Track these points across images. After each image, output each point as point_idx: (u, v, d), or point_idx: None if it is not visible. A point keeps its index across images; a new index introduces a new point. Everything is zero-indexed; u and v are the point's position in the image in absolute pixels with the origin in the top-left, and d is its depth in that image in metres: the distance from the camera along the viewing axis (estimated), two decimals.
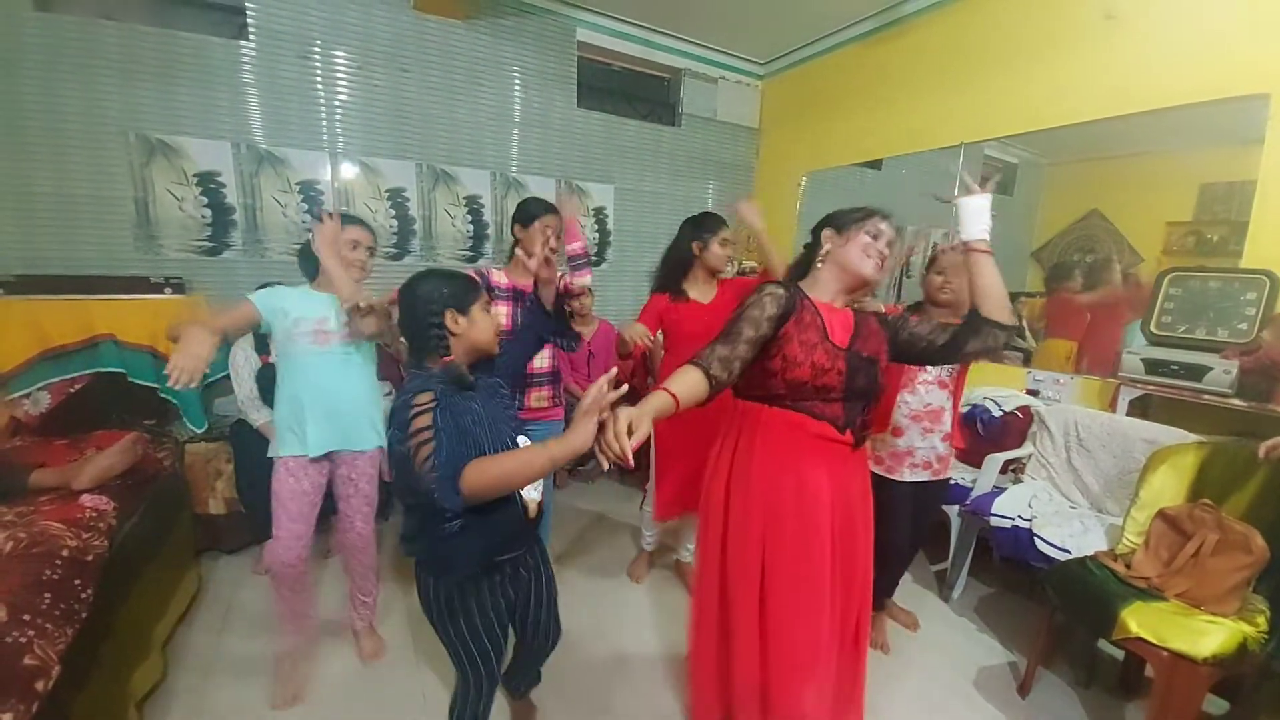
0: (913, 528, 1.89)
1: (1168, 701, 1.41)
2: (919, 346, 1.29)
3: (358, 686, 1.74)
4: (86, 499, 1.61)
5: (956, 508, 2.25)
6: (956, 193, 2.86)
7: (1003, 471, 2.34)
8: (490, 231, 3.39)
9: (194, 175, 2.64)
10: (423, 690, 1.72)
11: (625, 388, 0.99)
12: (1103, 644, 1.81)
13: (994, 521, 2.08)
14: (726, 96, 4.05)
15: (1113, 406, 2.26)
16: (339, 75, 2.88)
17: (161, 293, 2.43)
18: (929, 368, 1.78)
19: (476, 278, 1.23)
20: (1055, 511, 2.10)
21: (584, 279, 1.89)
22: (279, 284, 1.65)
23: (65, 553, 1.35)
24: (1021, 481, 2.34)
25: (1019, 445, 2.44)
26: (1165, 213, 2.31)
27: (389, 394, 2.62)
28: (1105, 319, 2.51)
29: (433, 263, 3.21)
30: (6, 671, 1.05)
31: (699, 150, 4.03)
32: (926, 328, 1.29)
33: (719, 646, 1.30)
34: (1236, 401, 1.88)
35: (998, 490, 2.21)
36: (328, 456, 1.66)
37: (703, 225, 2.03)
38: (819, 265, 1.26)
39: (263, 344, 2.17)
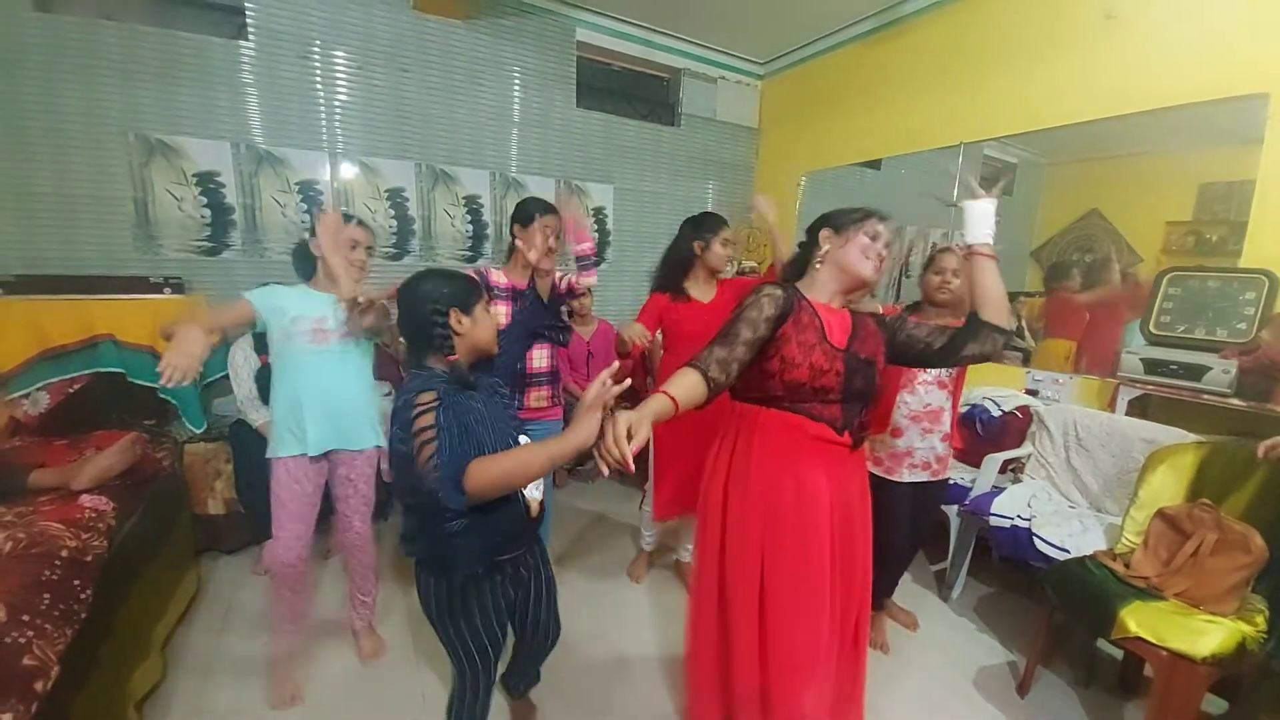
0: (912, 528, 1.89)
1: (1167, 701, 1.41)
2: (916, 348, 1.29)
3: (357, 686, 1.74)
4: (86, 499, 1.61)
5: (956, 507, 2.25)
6: (956, 193, 2.87)
7: (1002, 471, 2.34)
8: (490, 232, 3.39)
9: (193, 175, 2.64)
10: (422, 690, 1.72)
11: (629, 382, 0.99)
12: (1102, 643, 1.81)
13: (993, 521, 2.08)
14: (726, 96, 4.05)
15: (1112, 406, 2.26)
16: (338, 75, 2.88)
17: (161, 293, 2.43)
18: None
19: (476, 278, 1.23)
20: (1054, 511, 2.10)
21: (590, 279, 1.90)
22: (278, 284, 1.65)
23: (64, 553, 1.35)
24: (1021, 481, 2.34)
25: (1018, 445, 2.44)
26: (1165, 212, 2.32)
27: (388, 394, 2.62)
28: (1104, 319, 2.51)
29: (432, 263, 3.21)
30: (6, 672, 1.04)
31: (698, 150, 4.03)
32: (924, 330, 1.29)
33: (718, 648, 1.30)
34: (1235, 401, 1.88)
35: (997, 490, 2.21)
36: (326, 456, 1.66)
37: (704, 225, 2.03)
38: (817, 266, 1.26)
39: (262, 344, 2.17)
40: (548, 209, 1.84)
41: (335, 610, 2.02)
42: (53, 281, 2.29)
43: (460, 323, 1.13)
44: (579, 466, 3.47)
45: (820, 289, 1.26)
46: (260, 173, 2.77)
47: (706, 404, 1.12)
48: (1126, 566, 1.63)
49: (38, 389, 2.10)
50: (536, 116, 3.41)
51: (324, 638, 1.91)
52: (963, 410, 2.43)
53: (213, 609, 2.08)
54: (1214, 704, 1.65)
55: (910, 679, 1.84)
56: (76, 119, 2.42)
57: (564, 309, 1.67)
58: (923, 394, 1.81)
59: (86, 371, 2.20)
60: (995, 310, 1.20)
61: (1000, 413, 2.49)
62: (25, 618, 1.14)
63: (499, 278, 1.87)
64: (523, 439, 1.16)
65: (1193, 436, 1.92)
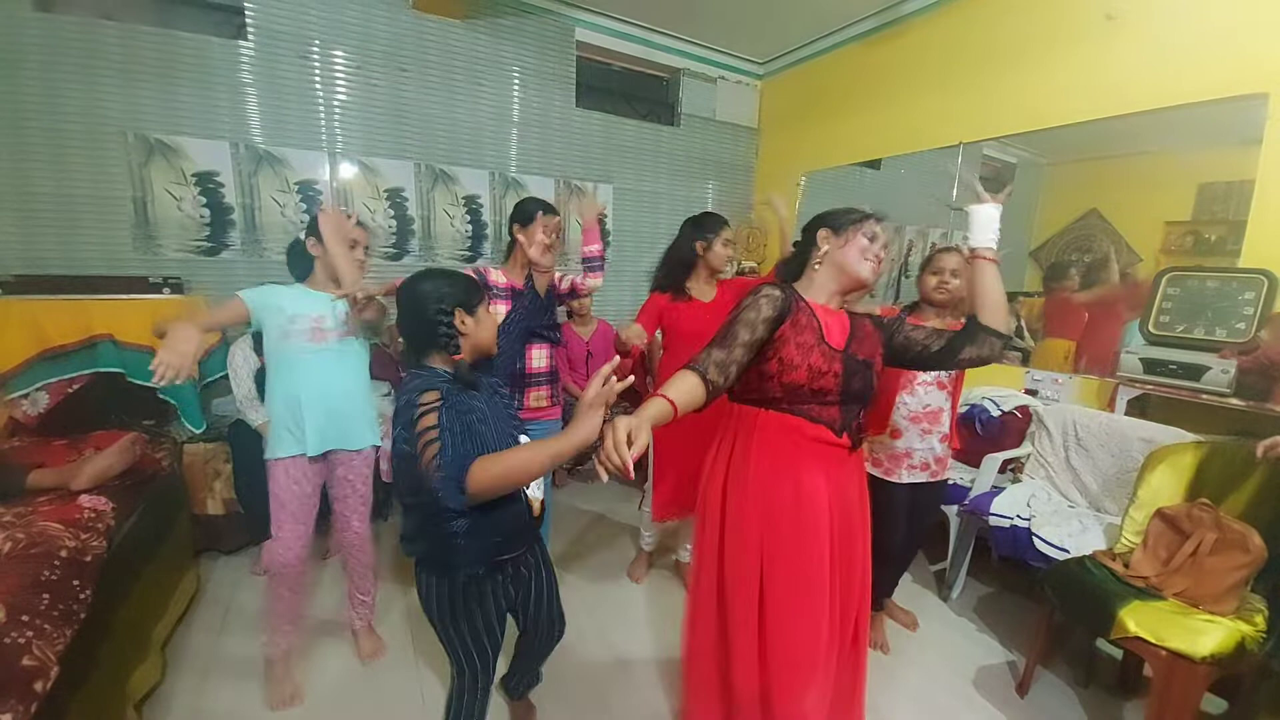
0: (912, 530, 1.89)
1: (1166, 701, 1.41)
2: (914, 351, 1.28)
3: (357, 686, 1.74)
4: (85, 499, 1.61)
5: (955, 507, 2.25)
6: (956, 193, 2.87)
7: (1001, 471, 2.34)
8: (489, 231, 3.39)
9: (193, 175, 2.64)
10: (421, 689, 1.72)
11: (631, 378, 0.99)
12: (1101, 643, 1.81)
13: (993, 521, 2.08)
14: (725, 96, 4.05)
15: (1111, 406, 2.26)
16: (338, 75, 2.88)
17: (160, 293, 2.43)
18: None
19: (475, 277, 1.23)
20: (1054, 511, 2.10)
21: (595, 281, 1.90)
22: (275, 284, 1.65)
23: (64, 553, 1.35)
24: (1020, 481, 2.34)
25: (1017, 445, 2.44)
26: (1164, 212, 2.32)
27: (387, 394, 2.62)
28: (1103, 318, 2.51)
29: (431, 262, 3.21)
30: (5, 672, 1.04)
31: (698, 150, 4.03)
32: (922, 333, 1.29)
33: (717, 650, 1.30)
34: (1234, 401, 1.88)
35: (996, 490, 2.22)
36: (324, 456, 1.66)
37: (706, 225, 2.03)
38: (816, 267, 1.25)
39: (261, 344, 2.17)
40: (547, 209, 1.84)
41: (334, 610, 2.02)
42: (52, 281, 2.29)
43: (464, 323, 1.13)
44: (579, 466, 3.47)
45: (818, 289, 1.26)
46: (259, 173, 2.77)
47: (705, 407, 1.11)
48: (1126, 566, 1.63)
49: (37, 389, 2.10)
50: (536, 116, 3.41)
51: (323, 637, 1.91)
52: (962, 410, 2.43)
53: (212, 609, 2.08)
54: (1213, 704, 1.65)
55: (910, 679, 1.84)
56: (76, 119, 2.42)
57: (561, 308, 1.67)
58: (922, 395, 1.81)
59: (86, 371, 2.19)
60: (994, 314, 1.21)
61: (1000, 412, 2.49)
62: (25, 618, 1.14)
63: (498, 277, 1.87)
64: (523, 439, 1.16)
65: (1192, 436, 1.92)
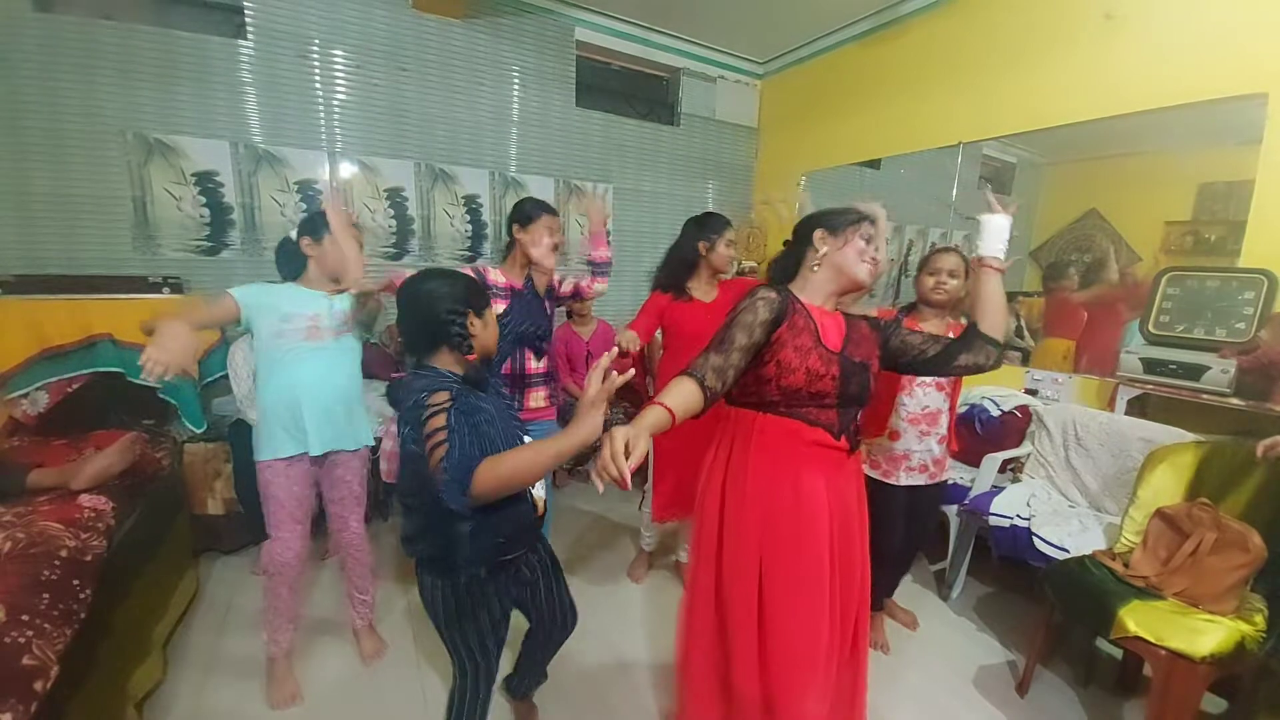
0: (911, 532, 1.89)
1: (1166, 700, 1.41)
2: (909, 355, 1.28)
3: (357, 686, 1.74)
4: (85, 499, 1.61)
5: (955, 507, 2.25)
6: (955, 193, 2.88)
7: (1001, 471, 2.34)
8: (489, 231, 3.39)
9: (192, 175, 2.64)
10: (423, 689, 1.72)
11: (632, 372, 0.99)
12: (1101, 643, 1.82)
13: (993, 521, 2.08)
14: (725, 96, 4.05)
15: (1111, 406, 2.26)
16: (337, 74, 2.87)
17: (160, 292, 2.43)
18: None
19: (474, 277, 1.23)
20: (1054, 511, 2.10)
21: (602, 285, 1.90)
22: (268, 283, 1.63)
23: (64, 553, 1.35)
24: (1020, 481, 2.35)
25: (1017, 444, 2.44)
26: (1163, 212, 2.32)
27: (384, 395, 2.62)
28: (1103, 318, 2.51)
29: (431, 262, 3.21)
30: (5, 672, 1.04)
31: (698, 150, 4.03)
32: (918, 337, 1.29)
33: (716, 653, 1.30)
34: (1234, 401, 1.88)
35: (996, 489, 2.22)
36: (323, 455, 1.65)
37: (709, 225, 2.03)
38: (814, 268, 1.24)
39: None
40: (547, 209, 1.84)
41: (335, 610, 2.02)
42: (51, 281, 2.29)
43: (473, 324, 1.13)
44: (578, 467, 3.47)
45: (814, 291, 1.24)
46: (259, 172, 2.77)
47: (703, 413, 1.11)
48: (1125, 566, 1.63)
49: (37, 389, 2.10)
50: (535, 116, 3.41)
51: (324, 637, 1.91)
52: (962, 410, 2.43)
53: (212, 609, 2.08)
54: (1213, 703, 1.65)
55: (910, 679, 1.84)
56: (75, 118, 2.42)
57: (561, 308, 1.67)
58: (921, 396, 1.80)
59: (85, 371, 2.19)
60: (993, 322, 1.22)
61: (999, 412, 2.49)
62: (25, 617, 1.14)
63: (496, 277, 1.86)
64: (525, 439, 1.16)
65: (1191, 436, 1.92)
